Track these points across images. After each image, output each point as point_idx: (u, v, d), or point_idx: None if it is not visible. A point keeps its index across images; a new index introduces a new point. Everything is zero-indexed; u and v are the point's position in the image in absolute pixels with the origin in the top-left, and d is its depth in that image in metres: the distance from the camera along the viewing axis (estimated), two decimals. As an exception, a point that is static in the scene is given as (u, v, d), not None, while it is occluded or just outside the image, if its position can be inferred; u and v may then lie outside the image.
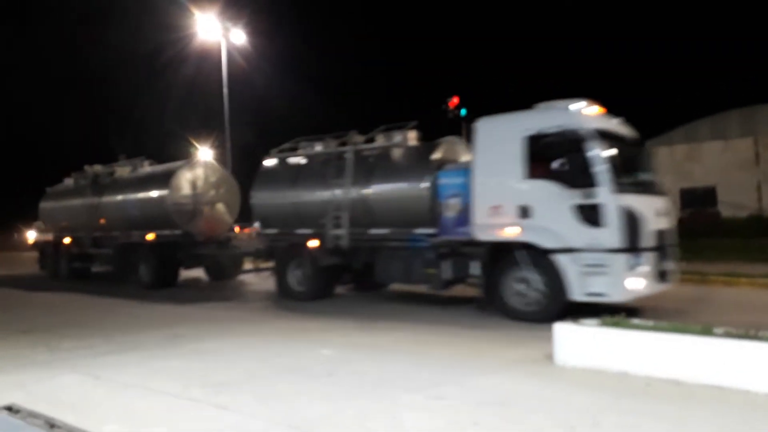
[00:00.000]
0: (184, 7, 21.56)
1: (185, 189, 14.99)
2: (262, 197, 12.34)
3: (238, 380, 5.70)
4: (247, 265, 15.57)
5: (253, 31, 23.34)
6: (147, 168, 16.74)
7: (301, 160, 12.19)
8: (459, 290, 10.30)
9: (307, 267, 11.56)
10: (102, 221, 16.46)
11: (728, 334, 5.30)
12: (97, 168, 17.66)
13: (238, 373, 5.97)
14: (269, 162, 12.66)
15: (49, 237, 18.79)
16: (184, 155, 18.54)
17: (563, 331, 6.03)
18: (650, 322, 6.02)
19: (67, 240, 17.70)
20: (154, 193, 15.17)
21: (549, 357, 6.06)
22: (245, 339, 7.85)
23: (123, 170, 16.91)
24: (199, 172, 15.36)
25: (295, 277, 11.80)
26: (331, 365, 6.16)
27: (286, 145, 12.52)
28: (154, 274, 14.76)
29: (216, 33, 21.82)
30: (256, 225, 12.77)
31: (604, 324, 5.99)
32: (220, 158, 19.93)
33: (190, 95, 32.88)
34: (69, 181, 18.88)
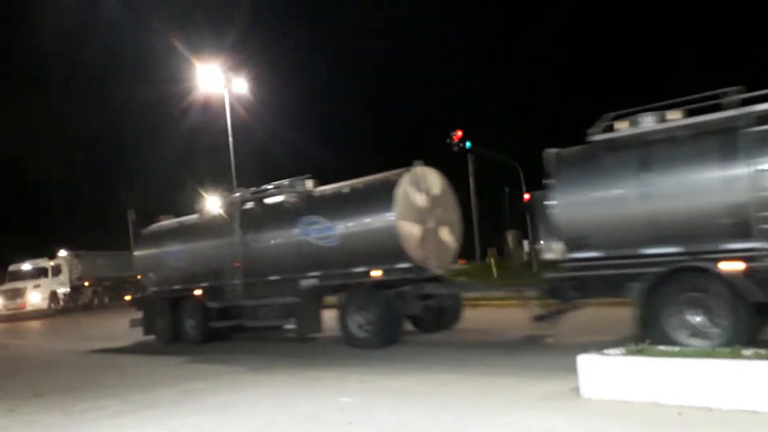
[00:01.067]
0: (186, 59, 22.15)
1: (412, 204, 10.84)
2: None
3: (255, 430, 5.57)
4: None
5: (256, 79, 23.73)
6: (331, 186, 12.28)
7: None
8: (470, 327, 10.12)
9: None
10: (252, 262, 12.47)
11: (758, 356, 5.12)
12: (236, 196, 13.53)
13: (255, 426, 5.83)
14: None
15: (156, 291, 15.00)
16: (191, 206, 16.59)
17: (587, 362, 5.85)
18: (676, 348, 5.85)
19: (197, 292, 13.44)
20: (365, 214, 10.97)
21: (575, 390, 5.87)
22: (259, 390, 7.71)
23: (290, 196, 12.30)
24: (423, 182, 11.18)
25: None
26: (350, 413, 6.01)
27: None
28: (379, 326, 10.47)
29: (218, 83, 22.24)
30: None
31: (629, 353, 5.82)
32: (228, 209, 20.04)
33: (195, 145, 33.43)
34: (177, 221, 15.18)
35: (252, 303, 12.42)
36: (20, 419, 7.18)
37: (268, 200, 12.85)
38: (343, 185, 11.97)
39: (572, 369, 5.91)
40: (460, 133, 21.28)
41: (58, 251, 31.69)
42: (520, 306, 14.06)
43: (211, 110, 24.18)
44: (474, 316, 13.88)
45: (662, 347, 5.90)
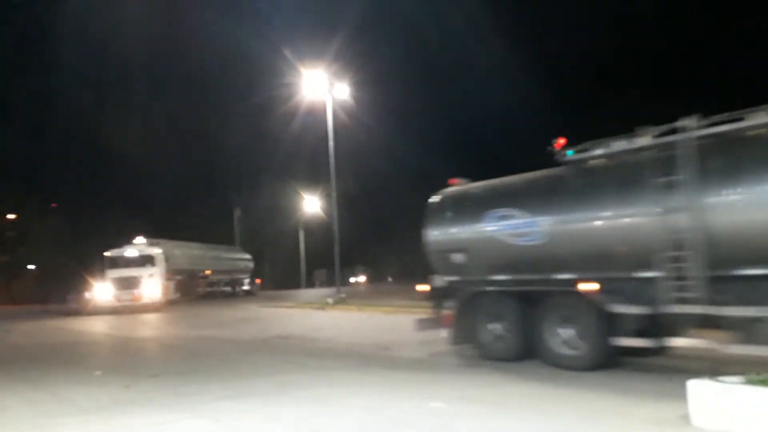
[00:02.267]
0: (293, 65, 23.06)
1: None
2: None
3: (346, 429, 5.65)
4: None
5: (358, 84, 24.29)
6: None
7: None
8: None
9: None
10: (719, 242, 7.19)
11: None
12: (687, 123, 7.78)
13: (345, 424, 5.92)
14: None
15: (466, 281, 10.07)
16: (295, 207, 17.89)
17: (701, 389, 5.42)
18: (806, 380, 5.28)
19: (587, 286, 8.25)
20: None
21: (684, 417, 5.46)
22: (350, 388, 7.83)
23: None
24: None
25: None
26: (440, 419, 5.95)
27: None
28: None
29: (322, 88, 22.99)
30: None
31: (750, 382, 5.33)
32: (327, 208, 20.67)
33: (298, 148, 34.62)
34: (522, 177, 10.17)
35: (727, 311, 7.17)
36: (137, 396, 7.78)
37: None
38: None
39: (679, 395, 5.50)
40: (562, 141, 20.48)
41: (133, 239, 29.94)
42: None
43: (314, 115, 25.05)
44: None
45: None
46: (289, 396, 7.37)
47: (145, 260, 28.35)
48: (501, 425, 5.74)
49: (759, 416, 4.99)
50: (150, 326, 20.40)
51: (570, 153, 17.69)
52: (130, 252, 28.75)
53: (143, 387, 8.43)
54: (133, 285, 27.44)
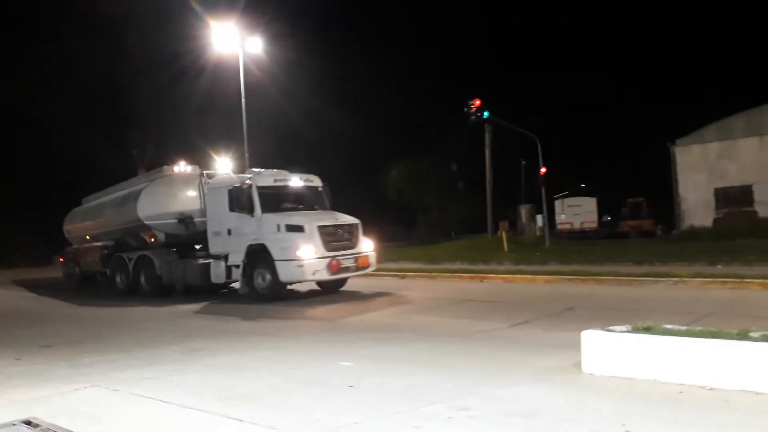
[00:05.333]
0: (201, 17, 21.81)
1: None
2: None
3: (256, 393, 5.61)
4: None
5: (272, 39, 23.27)
6: None
7: None
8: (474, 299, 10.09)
9: None
10: None
11: (765, 338, 5.03)
12: None
13: (255, 387, 5.88)
14: None
15: None
16: (204, 165, 18.14)
17: (592, 338, 5.80)
18: (683, 328, 5.76)
19: None
20: None
21: (578, 365, 5.83)
22: (262, 353, 7.78)
23: None
24: None
25: None
26: (351, 378, 6.04)
27: None
28: None
29: (233, 42, 21.85)
30: None
31: (635, 330, 5.75)
32: (239, 169, 19.96)
33: (208, 105, 33.01)
34: None
35: None
36: (28, 369, 7.33)
37: None
38: None
39: (577, 346, 5.85)
40: (478, 102, 20.87)
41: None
42: (529, 281, 14.17)
43: (225, 70, 23.91)
44: (483, 288, 13.91)
45: (669, 326, 5.81)
46: (198, 363, 7.22)
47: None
48: (404, 379, 5.90)
49: (641, 360, 5.42)
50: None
51: (486, 114, 17.62)
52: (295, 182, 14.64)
53: (36, 359, 7.98)
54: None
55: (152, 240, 16.18)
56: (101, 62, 35.52)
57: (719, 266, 14.04)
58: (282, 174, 14.50)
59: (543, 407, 4.83)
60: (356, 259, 13.17)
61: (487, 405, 4.93)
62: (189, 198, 16.04)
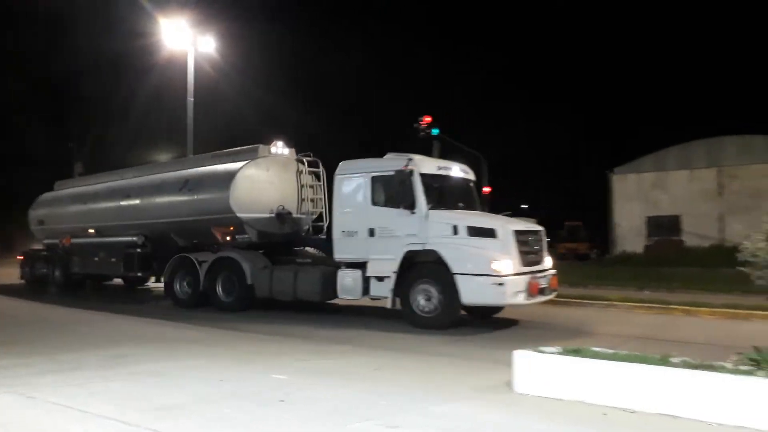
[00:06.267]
0: (150, 14, 21.18)
1: None
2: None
3: (182, 404, 5.40)
4: None
5: (224, 38, 22.84)
6: None
7: None
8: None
9: None
10: None
11: (685, 364, 5.25)
12: None
13: (182, 397, 5.66)
14: None
15: None
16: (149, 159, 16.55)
17: (524, 358, 5.90)
18: (610, 351, 5.94)
19: None
20: None
21: (508, 384, 5.92)
22: (193, 361, 7.54)
23: None
24: None
25: None
26: (283, 391, 5.92)
27: None
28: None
29: (184, 40, 21.37)
30: None
31: (564, 352, 5.89)
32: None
33: (156, 103, 32.16)
34: None
35: None
36: None
37: None
38: None
39: (510, 364, 5.94)
40: (428, 119, 21.12)
41: None
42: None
43: (174, 67, 23.30)
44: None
45: (597, 349, 5.99)
46: (122, 370, 6.91)
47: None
48: (337, 393, 5.83)
49: (571, 382, 5.55)
50: None
51: (435, 131, 17.23)
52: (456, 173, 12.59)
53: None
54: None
55: (229, 239, 12.61)
56: (43, 55, 34.21)
57: (646, 291, 14.73)
58: (443, 161, 11.54)
59: (471, 426, 4.86)
60: (549, 279, 10.32)
61: (418, 422, 4.92)
62: (287, 187, 12.80)
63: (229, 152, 13.45)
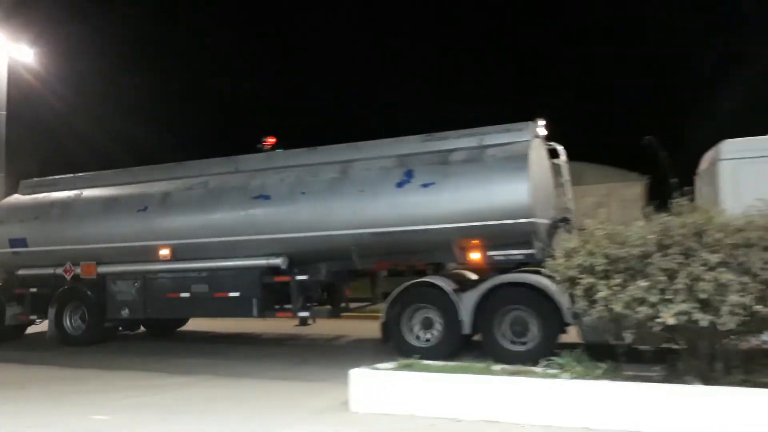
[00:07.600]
0: None
1: None
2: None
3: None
4: None
5: (49, 50, 20.66)
6: None
7: None
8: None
9: None
10: None
11: (505, 372, 5.64)
12: None
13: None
14: None
15: None
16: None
17: (359, 376, 5.97)
18: (440, 363, 6.21)
19: None
20: None
21: (345, 404, 5.93)
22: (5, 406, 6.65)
23: None
24: None
25: None
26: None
27: None
28: None
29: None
30: None
31: (398, 367, 6.06)
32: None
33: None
34: None
35: None
36: None
37: None
38: None
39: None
40: (272, 140, 20.95)
41: None
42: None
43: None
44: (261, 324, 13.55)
45: (429, 362, 6.23)
46: None
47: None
48: (167, 429, 5.48)
49: (403, 396, 5.71)
50: None
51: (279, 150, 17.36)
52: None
53: None
54: None
55: (482, 257, 8.31)
56: None
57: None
58: None
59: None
60: None
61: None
62: (548, 185, 9.07)
63: (473, 131, 8.78)
